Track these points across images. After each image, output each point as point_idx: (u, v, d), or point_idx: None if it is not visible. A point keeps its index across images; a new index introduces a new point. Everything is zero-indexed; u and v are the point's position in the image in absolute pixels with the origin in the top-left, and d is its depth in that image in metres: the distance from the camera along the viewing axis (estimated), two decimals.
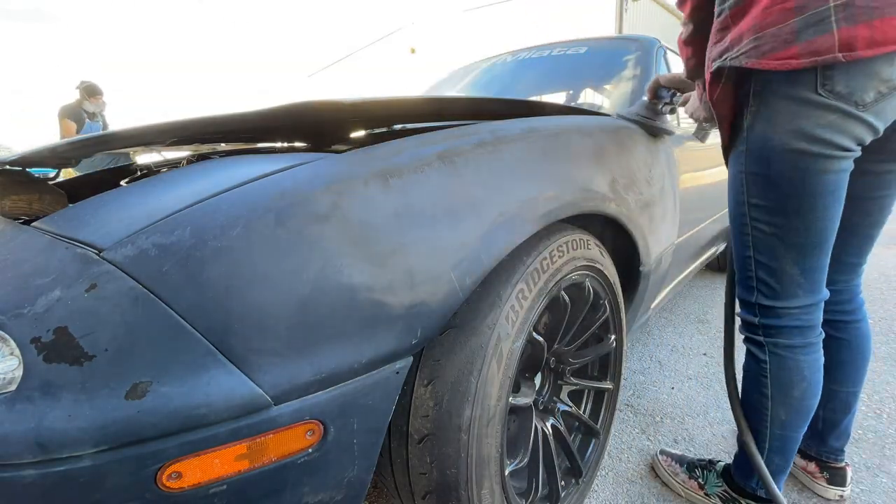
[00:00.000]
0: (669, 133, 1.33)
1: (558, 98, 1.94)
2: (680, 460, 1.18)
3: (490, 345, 0.72)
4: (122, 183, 1.17)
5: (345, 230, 0.58)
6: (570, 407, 1.06)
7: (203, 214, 0.54)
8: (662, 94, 1.28)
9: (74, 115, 4.17)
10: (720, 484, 1.08)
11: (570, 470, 1.04)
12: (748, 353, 0.99)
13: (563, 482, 0.99)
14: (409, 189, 0.65)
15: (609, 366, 1.14)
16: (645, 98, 1.31)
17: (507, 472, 0.81)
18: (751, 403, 0.99)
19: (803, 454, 1.16)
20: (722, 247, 2.49)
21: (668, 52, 1.87)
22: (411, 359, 0.65)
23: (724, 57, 0.78)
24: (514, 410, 0.90)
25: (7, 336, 0.47)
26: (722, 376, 1.68)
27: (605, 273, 1.02)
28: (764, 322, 0.92)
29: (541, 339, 0.89)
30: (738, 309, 1.00)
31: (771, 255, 0.86)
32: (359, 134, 1.17)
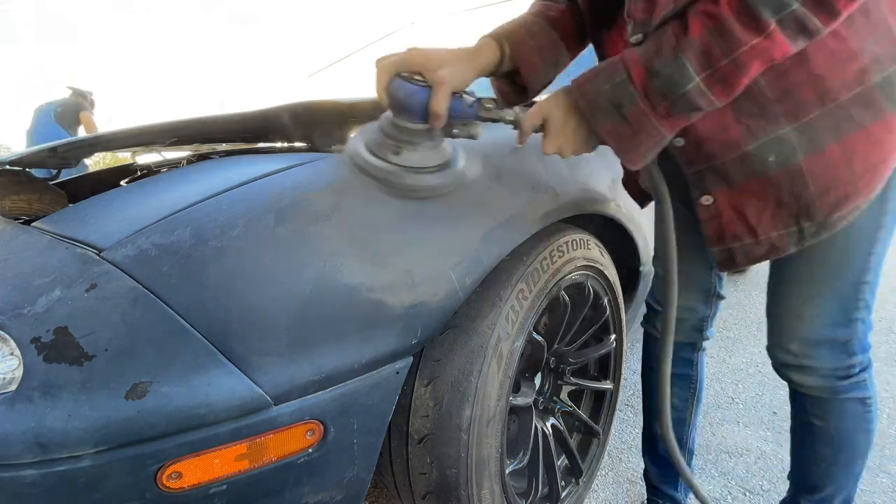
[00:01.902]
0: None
1: None
2: None
3: (490, 345, 0.72)
4: (122, 183, 1.17)
5: (345, 230, 0.58)
6: (571, 407, 1.06)
7: (203, 214, 0.54)
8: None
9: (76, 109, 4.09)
10: None
11: (570, 470, 1.04)
12: (854, 398, 0.78)
13: (563, 482, 0.99)
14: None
15: (609, 366, 1.14)
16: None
17: (507, 472, 0.81)
18: (855, 452, 0.81)
19: None
20: None
21: None
22: (411, 359, 0.65)
23: None
24: (514, 410, 0.90)
25: (7, 336, 0.47)
26: (722, 376, 1.68)
27: (605, 273, 1.02)
28: (867, 352, 0.77)
29: (541, 339, 0.89)
30: (832, 362, 0.76)
31: (879, 273, 0.72)
32: None
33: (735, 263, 0.71)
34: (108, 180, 1.23)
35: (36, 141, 3.97)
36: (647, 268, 1.19)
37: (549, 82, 0.74)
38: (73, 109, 4.08)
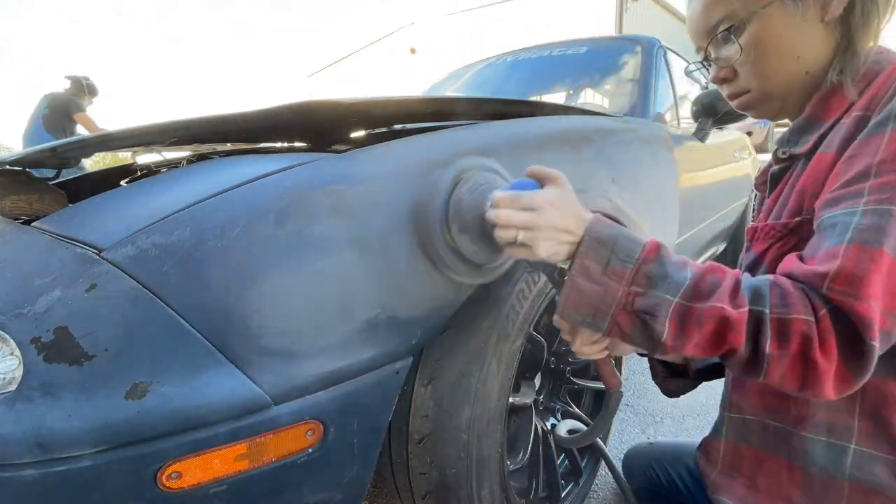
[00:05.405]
0: None
1: (558, 98, 1.94)
2: None
3: (490, 345, 0.72)
4: (122, 183, 1.17)
5: (344, 230, 0.58)
6: (570, 407, 1.06)
7: (203, 214, 0.54)
8: None
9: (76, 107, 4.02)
10: None
11: (570, 470, 1.04)
12: None
13: (563, 482, 0.99)
14: (409, 189, 0.65)
15: None
16: None
17: (507, 472, 0.81)
18: None
19: None
20: (722, 247, 2.49)
21: (668, 52, 1.86)
22: (411, 359, 0.65)
23: None
24: (514, 410, 0.90)
25: (7, 336, 0.47)
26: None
27: None
28: None
29: (541, 338, 0.89)
30: None
31: None
32: (359, 134, 1.16)
33: None
34: (108, 180, 1.23)
35: (28, 146, 3.92)
36: None
37: None
38: (64, 107, 3.97)
